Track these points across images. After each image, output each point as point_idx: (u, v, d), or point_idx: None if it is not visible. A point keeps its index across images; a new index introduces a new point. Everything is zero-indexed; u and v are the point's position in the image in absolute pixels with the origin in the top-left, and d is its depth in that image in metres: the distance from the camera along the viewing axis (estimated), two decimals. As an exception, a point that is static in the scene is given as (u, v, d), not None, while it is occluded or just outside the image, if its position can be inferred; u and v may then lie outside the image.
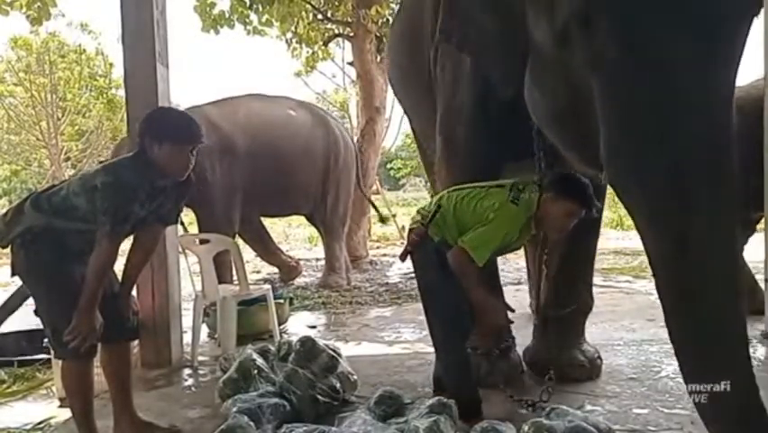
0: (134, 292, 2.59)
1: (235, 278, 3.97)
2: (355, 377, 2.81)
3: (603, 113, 1.77)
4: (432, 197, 3.31)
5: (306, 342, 2.82)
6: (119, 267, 2.41)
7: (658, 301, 1.70)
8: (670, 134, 1.62)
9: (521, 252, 4.27)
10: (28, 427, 2.66)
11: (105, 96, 14.02)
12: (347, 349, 3.37)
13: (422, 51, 3.22)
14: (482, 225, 2.36)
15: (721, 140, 1.63)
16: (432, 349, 2.69)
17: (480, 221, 2.38)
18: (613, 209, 9.79)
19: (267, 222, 6.75)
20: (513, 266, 6.35)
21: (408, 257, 2.60)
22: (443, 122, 3.00)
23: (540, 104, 2.20)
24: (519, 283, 5.37)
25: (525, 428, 2.14)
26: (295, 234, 11.02)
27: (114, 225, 2.11)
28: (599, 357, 3.03)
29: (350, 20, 7.83)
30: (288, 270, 6.58)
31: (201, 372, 3.36)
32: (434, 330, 2.59)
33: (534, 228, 2.47)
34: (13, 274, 2.25)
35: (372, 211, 8.00)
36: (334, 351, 2.85)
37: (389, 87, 8.40)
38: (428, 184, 17.09)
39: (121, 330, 2.36)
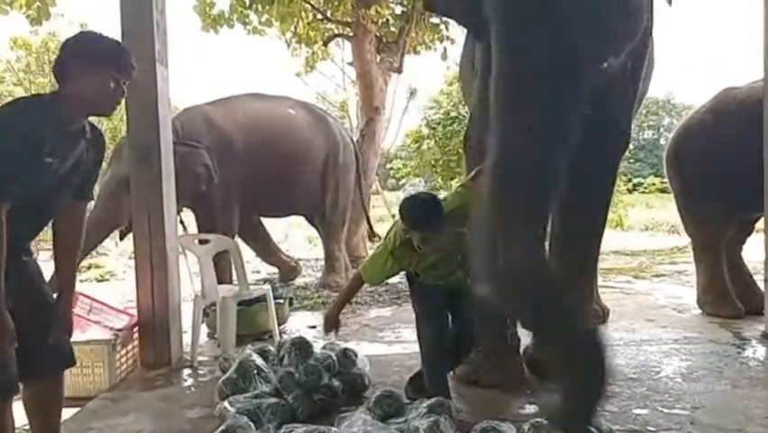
0: (131, 293, 2.48)
1: (235, 278, 3.97)
2: (368, 378, 2.89)
3: None
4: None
5: (304, 342, 2.83)
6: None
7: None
8: None
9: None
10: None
11: (104, 96, 13.99)
12: (346, 349, 3.36)
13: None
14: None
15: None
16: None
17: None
18: (613, 209, 9.79)
19: (267, 222, 6.74)
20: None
21: None
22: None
23: None
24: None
25: (525, 428, 2.14)
26: (295, 234, 10.99)
27: None
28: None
29: (349, 20, 7.81)
30: (288, 270, 6.57)
31: (201, 372, 3.36)
32: (420, 342, 2.67)
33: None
34: None
35: (371, 211, 7.97)
36: (352, 350, 3.01)
37: (390, 88, 8.45)
38: (428, 184, 17.01)
39: (53, 361, 1.98)
